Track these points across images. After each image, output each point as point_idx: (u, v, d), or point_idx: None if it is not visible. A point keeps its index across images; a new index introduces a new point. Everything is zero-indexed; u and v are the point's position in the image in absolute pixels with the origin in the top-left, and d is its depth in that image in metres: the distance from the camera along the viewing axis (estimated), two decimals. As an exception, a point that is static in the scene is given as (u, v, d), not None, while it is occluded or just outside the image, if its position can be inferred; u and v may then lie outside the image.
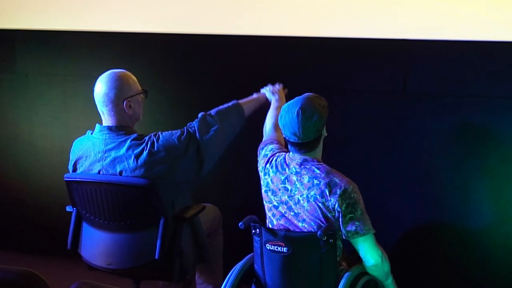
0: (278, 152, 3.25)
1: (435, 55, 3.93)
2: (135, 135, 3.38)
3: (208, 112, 3.54)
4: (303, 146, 3.07)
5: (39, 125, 4.87)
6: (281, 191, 3.11)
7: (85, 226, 3.55)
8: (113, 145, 3.38)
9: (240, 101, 3.71)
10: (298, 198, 3.06)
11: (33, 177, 4.95)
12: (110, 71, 3.50)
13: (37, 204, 4.94)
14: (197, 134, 3.41)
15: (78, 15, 4.65)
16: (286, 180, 3.10)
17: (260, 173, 3.26)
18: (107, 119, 3.44)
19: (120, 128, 3.40)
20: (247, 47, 4.32)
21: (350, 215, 2.99)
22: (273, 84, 3.85)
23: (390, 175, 4.12)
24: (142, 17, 4.51)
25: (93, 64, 4.57)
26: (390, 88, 4.03)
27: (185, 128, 3.44)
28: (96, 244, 3.52)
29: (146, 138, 3.37)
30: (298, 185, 3.06)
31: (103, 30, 4.60)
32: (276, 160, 3.18)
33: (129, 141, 3.35)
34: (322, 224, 3.01)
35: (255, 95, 3.82)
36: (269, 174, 3.17)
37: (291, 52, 4.23)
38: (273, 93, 3.75)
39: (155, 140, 3.34)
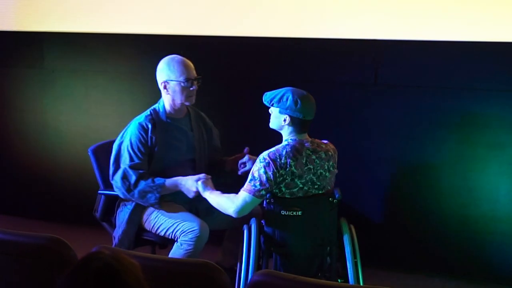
0: (273, 154, 2.97)
1: (400, 53, 3.96)
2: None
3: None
4: (310, 122, 3.10)
5: (64, 113, 4.84)
6: (306, 173, 2.98)
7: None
8: None
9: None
10: (321, 172, 3.03)
11: (58, 157, 4.91)
12: (170, 55, 3.36)
13: (62, 180, 4.88)
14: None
15: (97, 20, 4.62)
16: (307, 161, 2.99)
17: (274, 181, 2.95)
18: None
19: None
20: (233, 47, 4.29)
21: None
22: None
23: (362, 154, 4.12)
24: (150, 22, 4.45)
25: (109, 61, 4.60)
26: (363, 80, 4.06)
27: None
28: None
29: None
30: (318, 161, 3.02)
31: (117, 32, 4.56)
32: (285, 154, 2.95)
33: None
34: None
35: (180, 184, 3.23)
36: (290, 165, 2.95)
37: (280, 51, 4.20)
38: (204, 187, 3.16)
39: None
